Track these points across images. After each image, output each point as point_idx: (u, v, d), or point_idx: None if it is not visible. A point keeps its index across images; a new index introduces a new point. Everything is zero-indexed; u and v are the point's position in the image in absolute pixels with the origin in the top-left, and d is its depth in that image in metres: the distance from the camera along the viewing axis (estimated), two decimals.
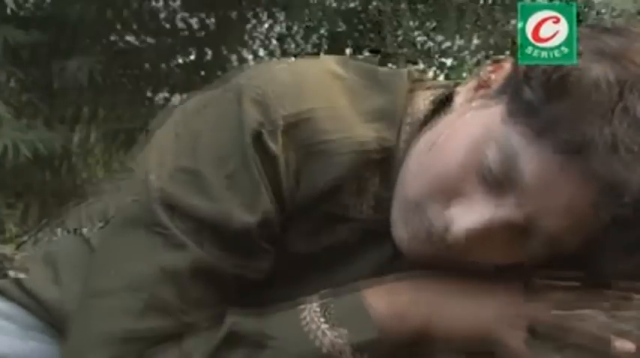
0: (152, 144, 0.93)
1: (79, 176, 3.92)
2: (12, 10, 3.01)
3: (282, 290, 0.90)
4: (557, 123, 0.77)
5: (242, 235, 0.86)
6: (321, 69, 0.92)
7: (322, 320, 0.87)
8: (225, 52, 3.88)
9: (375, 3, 4.16)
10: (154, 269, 0.85)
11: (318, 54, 4.03)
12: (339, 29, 4.19)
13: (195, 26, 3.79)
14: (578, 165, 0.76)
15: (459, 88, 0.91)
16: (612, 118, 0.75)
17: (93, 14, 3.33)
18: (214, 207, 0.85)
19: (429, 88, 0.94)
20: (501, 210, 0.81)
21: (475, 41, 4.16)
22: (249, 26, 4.02)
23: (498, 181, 0.81)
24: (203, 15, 3.78)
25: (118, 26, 3.57)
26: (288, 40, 4.14)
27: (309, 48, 4.11)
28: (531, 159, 0.79)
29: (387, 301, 0.88)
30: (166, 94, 3.82)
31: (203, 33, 3.79)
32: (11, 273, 1.00)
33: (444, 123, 0.88)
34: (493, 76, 0.87)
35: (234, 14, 3.90)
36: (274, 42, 4.12)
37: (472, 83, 0.89)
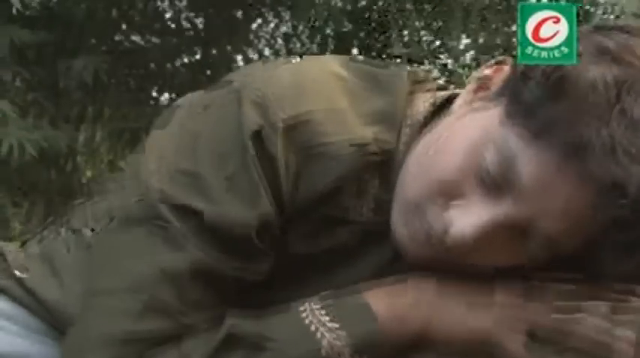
0: (153, 144, 0.92)
1: (85, 175, 3.93)
2: (18, 9, 3.01)
3: (282, 292, 0.89)
4: (554, 125, 0.76)
5: (242, 237, 0.85)
6: (322, 69, 0.91)
7: (321, 321, 0.86)
8: (230, 52, 3.88)
9: (380, 3, 4.16)
10: (154, 270, 0.85)
11: (323, 54, 4.03)
12: (345, 29, 4.19)
13: (201, 26, 3.79)
14: (576, 167, 0.76)
15: (459, 90, 0.91)
16: (610, 120, 0.74)
17: (99, 14, 3.34)
18: (214, 210, 0.85)
19: (429, 90, 0.93)
20: (500, 212, 0.81)
21: (481, 40, 4.15)
22: (254, 25, 4.03)
23: (496, 183, 0.81)
24: (209, 14, 3.78)
25: (124, 26, 3.57)
26: (294, 39, 4.14)
27: (314, 47, 4.11)
28: (529, 161, 0.78)
29: (386, 303, 0.87)
30: (172, 94, 3.82)
31: (209, 32, 3.79)
32: (16, 273, 1.00)
33: (444, 126, 0.87)
34: (493, 78, 0.87)
35: (239, 14, 3.90)
36: (280, 41, 4.11)
37: (472, 85, 0.89)
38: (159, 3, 3.68)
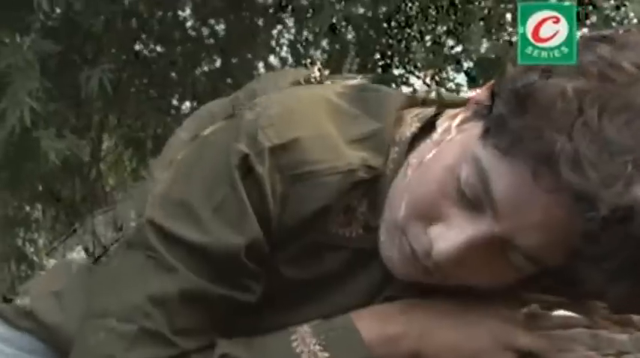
0: (157, 166, 0.94)
1: (107, 183, 3.95)
2: (39, 20, 3.04)
3: (273, 317, 0.90)
4: (522, 139, 0.75)
5: (231, 259, 0.85)
6: (313, 95, 0.92)
7: (312, 351, 0.87)
8: (251, 59, 3.89)
9: (402, 7, 4.16)
10: (144, 298, 0.85)
11: (344, 60, 4.03)
12: (367, 35, 4.19)
13: (221, 33, 3.80)
14: (547, 179, 0.74)
15: (448, 109, 0.90)
16: (572, 133, 0.73)
17: (118, 24, 3.36)
18: (203, 238, 0.85)
19: (419, 108, 0.93)
20: (480, 229, 0.80)
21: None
22: (275, 32, 4.04)
23: (475, 200, 0.80)
24: (228, 22, 3.79)
25: (144, 35, 3.59)
26: (314, 45, 4.14)
27: (335, 54, 4.11)
28: (502, 175, 0.78)
29: (378, 326, 0.88)
30: (193, 102, 3.84)
31: (229, 40, 3.81)
32: (18, 302, 1.01)
33: (429, 145, 0.87)
34: (480, 96, 0.86)
35: (260, 21, 3.92)
36: (300, 48, 4.12)
37: (461, 108, 0.89)
38: (179, 12, 3.70)
